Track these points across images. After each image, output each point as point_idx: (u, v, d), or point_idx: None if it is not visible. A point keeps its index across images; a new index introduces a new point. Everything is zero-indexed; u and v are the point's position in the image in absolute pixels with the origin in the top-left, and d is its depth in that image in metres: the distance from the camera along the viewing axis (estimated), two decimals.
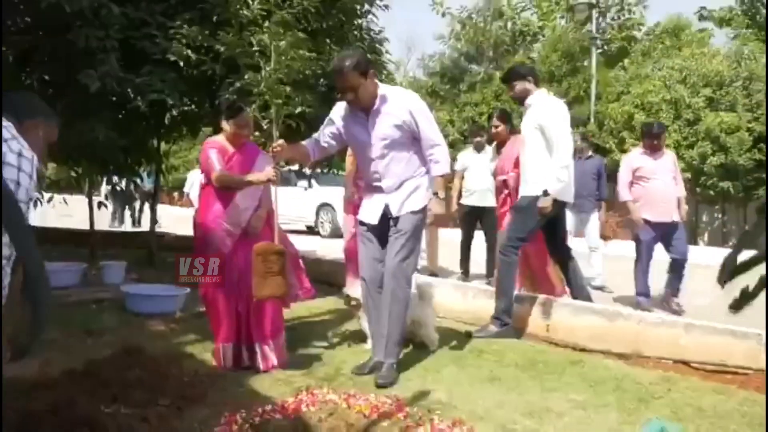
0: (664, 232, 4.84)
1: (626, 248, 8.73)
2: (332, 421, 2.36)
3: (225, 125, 2.99)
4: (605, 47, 17.67)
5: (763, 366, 2.82)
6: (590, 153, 6.26)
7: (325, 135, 3.06)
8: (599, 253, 6.14)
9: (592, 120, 14.18)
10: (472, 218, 6.08)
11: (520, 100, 3.91)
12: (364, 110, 2.91)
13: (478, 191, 5.86)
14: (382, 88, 2.93)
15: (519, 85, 3.86)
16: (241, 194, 2.99)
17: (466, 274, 6.09)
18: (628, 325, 3.53)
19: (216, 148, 2.99)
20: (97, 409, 2.20)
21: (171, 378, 2.57)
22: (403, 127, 2.89)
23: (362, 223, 3.08)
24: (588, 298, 4.01)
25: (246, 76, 2.61)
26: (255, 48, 2.60)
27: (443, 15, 19.06)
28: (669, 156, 5.05)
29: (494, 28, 18.55)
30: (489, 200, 5.45)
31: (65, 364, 2.76)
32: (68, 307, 4.26)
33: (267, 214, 3.08)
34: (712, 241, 13.96)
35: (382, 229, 2.99)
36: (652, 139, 4.89)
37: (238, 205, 3.00)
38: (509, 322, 3.79)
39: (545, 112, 3.70)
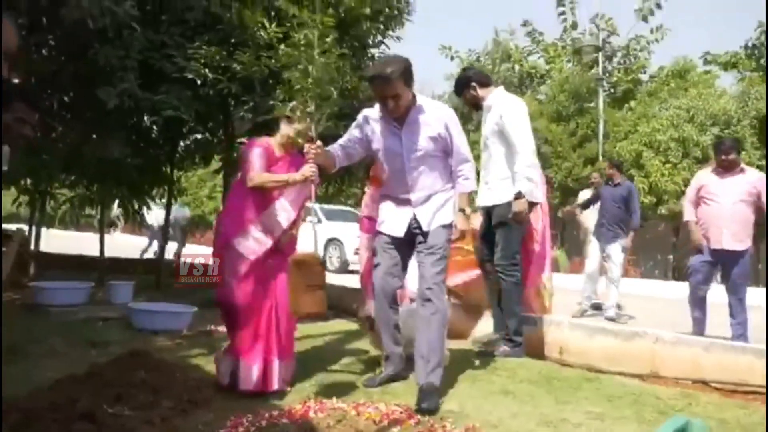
0: (722, 263, 4.41)
1: (634, 286, 8.58)
2: (341, 428, 2.28)
3: (285, 128, 2.81)
4: (612, 89, 17.92)
5: None
6: (618, 180, 6.22)
7: (351, 141, 2.92)
8: (617, 287, 6.05)
9: (600, 158, 14.25)
10: None
11: (474, 107, 3.86)
12: (397, 119, 2.78)
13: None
14: (419, 98, 2.81)
15: (467, 94, 3.79)
16: (282, 200, 2.78)
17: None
18: (644, 344, 3.43)
19: (263, 147, 2.77)
20: (99, 408, 2.14)
21: (176, 382, 2.51)
22: (438, 139, 2.79)
23: (381, 234, 2.93)
24: None
25: (298, 65, 2.52)
26: (302, 41, 2.53)
27: (452, 59, 19.50)
28: (746, 176, 4.43)
29: (502, 69, 18.89)
30: None
31: (68, 371, 2.70)
32: (75, 323, 4.23)
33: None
34: None
35: (405, 242, 2.88)
36: (720, 155, 4.45)
37: (275, 212, 2.77)
38: (521, 342, 3.70)
39: (502, 113, 3.55)
